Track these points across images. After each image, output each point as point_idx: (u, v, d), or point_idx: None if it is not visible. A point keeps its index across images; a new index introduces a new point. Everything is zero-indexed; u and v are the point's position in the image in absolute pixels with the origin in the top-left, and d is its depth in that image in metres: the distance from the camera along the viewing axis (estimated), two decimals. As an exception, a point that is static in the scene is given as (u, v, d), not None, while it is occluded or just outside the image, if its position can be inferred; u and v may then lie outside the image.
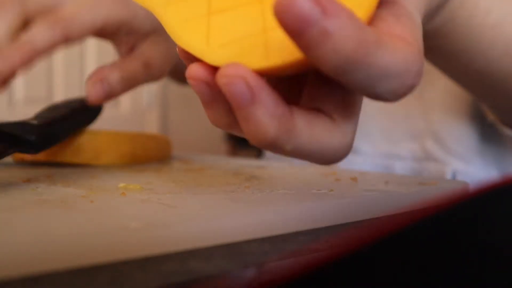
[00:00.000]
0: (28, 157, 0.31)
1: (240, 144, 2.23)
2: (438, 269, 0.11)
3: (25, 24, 0.31)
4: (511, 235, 0.12)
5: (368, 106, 0.44)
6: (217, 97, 0.19)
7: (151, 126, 2.21)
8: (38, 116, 0.31)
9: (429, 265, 0.11)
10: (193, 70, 0.19)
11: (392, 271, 0.10)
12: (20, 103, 1.94)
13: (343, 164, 0.48)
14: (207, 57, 0.19)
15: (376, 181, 0.29)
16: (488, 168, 0.40)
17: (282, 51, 0.18)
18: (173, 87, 2.25)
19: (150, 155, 0.37)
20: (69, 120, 0.32)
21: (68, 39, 0.30)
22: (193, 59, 0.19)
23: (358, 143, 0.44)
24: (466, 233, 0.11)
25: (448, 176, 0.40)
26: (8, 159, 0.39)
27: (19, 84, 1.93)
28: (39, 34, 0.29)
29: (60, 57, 1.99)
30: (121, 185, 0.25)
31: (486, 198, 0.12)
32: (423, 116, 0.41)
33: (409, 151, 0.42)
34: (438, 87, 0.40)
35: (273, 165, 0.39)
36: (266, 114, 0.17)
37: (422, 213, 0.11)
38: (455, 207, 0.11)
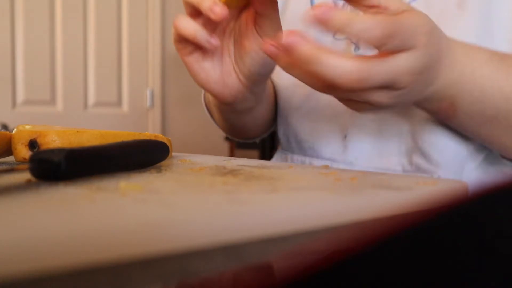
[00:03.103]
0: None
1: (240, 144, 2.23)
2: (438, 271, 0.11)
3: None
4: (511, 237, 0.12)
5: (364, 127, 0.47)
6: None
7: (153, 127, 2.21)
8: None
9: (430, 267, 0.11)
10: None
11: (392, 272, 0.10)
12: (23, 105, 1.94)
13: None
14: None
15: (376, 181, 0.29)
16: (464, 174, 0.45)
17: None
18: (174, 88, 2.26)
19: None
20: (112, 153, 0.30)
21: None
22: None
23: (354, 158, 0.50)
24: (466, 235, 0.11)
25: None
26: (10, 158, 0.39)
27: (21, 87, 1.93)
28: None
29: (62, 60, 1.99)
30: (121, 185, 0.25)
31: (487, 200, 0.12)
32: (411, 135, 0.46)
33: (399, 164, 0.47)
34: (424, 113, 0.45)
35: (273, 165, 0.39)
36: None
37: (423, 215, 0.11)
38: (456, 209, 0.11)
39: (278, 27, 0.40)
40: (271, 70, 0.43)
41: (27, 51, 1.93)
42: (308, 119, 0.54)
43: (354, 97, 0.33)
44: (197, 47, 0.40)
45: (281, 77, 0.57)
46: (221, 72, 0.42)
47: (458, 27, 0.43)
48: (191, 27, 0.38)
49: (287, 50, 0.30)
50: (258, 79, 0.43)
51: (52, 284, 0.14)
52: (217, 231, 0.18)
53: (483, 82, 0.37)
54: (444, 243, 0.11)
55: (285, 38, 0.30)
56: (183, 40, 0.39)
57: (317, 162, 0.53)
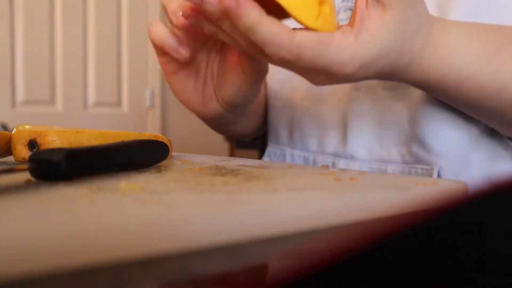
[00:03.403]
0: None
1: (240, 144, 2.23)
2: (438, 271, 0.11)
3: None
4: (511, 237, 0.12)
5: (364, 115, 0.46)
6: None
7: (153, 127, 2.21)
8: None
9: (430, 267, 0.11)
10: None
11: (392, 272, 0.10)
12: (23, 105, 1.94)
13: (342, 167, 0.50)
14: None
15: (376, 181, 0.29)
16: (472, 165, 0.42)
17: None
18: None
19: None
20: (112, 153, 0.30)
21: None
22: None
23: (355, 150, 0.48)
24: (466, 235, 0.11)
25: (435, 175, 0.42)
26: (10, 158, 0.39)
27: (21, 87, 1.93)
28: None
29: (61, 60, 1.99)
30: (122, 185, 0.25)
31: (487, 200, 0.12)
32: (409, 122, 0.44)
33: (399, 155, 0.45)
34: (423, 97, 0.43)
35: (273, 165, 0.39)
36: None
37: (423, 215, 0.11)
38: (456, 209, 0.11)
39: (262, 69, 0.38)
40: (254, 99, 0.42)
41: (26, 51, 1.93)
42: (313, 111, 0.53)
43: (293, 70, 0.31)
44: (181, 65, 0.39)
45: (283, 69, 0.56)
46: (203, 95, 0.41)
47: (454, 9, 0.41)
48: (161, 32, 0.36)
49: (230, 14, 0.26)
50: (240, 106, 0.42)
51: (52, 284, 0.14)
52: (217, 231, 0.18)
53: (468, 83, 0.34)
54: (444, 243, 0.11)
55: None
56: (164, 53, 0.38)
57: (320, 158, 0.52)
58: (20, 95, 1.94)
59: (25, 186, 0.25)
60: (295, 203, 0.22)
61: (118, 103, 2.15)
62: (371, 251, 0.10)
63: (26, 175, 0.27)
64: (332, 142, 0.51)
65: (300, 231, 0.21)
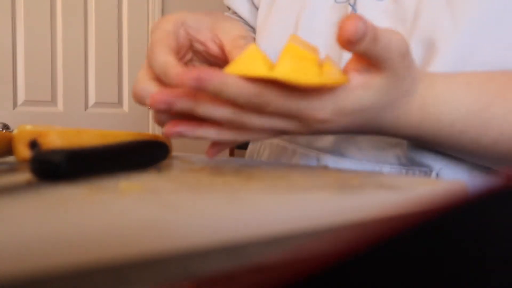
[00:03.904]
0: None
1: (240, 144, 2.23)
2: (438, 271, 0.11)
3: None
4: (510, 237, 0.12)
5: None
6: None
7: (153, 127, 2.21)
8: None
9: (430, 267, 0.11)
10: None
11: (392, 272, 0.10)
12: (24, 106, 1.95)
13: (327, 165, 0.47)
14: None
15: (375, 181, 0.29)
16: (470, 167, 0.41)
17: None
18: (174, 87, 2.25)
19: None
20: (113, 153, 0.30)
21: None
22: None
23: (346, 148, 0.46)
24: (466, 235, 0.11)
25: (433, 176, 0.41)
26: (11, 158, 0.39)
27: (22, 87, 1.93)
28: None
29: (62, 61, 2.00)
30: (122, 185, 0.25)
31: (486, 200, 0.12)
32: None
33: (395, 157, 0.43)
34: None
35: (273, 165, 0.39)
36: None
37: (423, 215, 0.11)
38: (455, 209, 0.11)
39: None
40: None
41: (28, 52, 1.93)
42: None
43: (257, 122, 0.30)
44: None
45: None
46: None
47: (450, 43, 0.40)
48: (145, 91, 0.36)
49: (199, 84, 0.27)
50: None
51: (52, 284, 0.14)
52: (217, 231, 0.18)
53: (462, 136, 0.34)
54: (444, 243, 0.11)
55: (190, 75, 0.27)
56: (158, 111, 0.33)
57: (302, 150, 0.49)
58: (21, 96, 1.94)
59: (26, 186, 0.25)
60: (295, 203, 0.22)
61: (119, 103, 2.15)
62: (371, 252, 0.10)
63: (26, 175, 0.27)
64: (320, 136, 0.48)
65: (300, 231, 0.21)
